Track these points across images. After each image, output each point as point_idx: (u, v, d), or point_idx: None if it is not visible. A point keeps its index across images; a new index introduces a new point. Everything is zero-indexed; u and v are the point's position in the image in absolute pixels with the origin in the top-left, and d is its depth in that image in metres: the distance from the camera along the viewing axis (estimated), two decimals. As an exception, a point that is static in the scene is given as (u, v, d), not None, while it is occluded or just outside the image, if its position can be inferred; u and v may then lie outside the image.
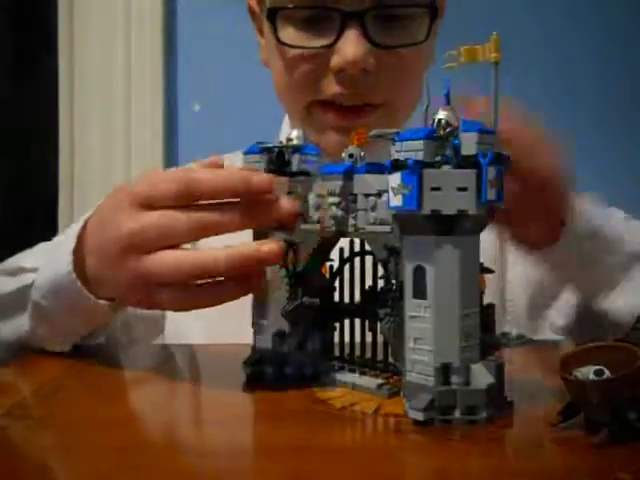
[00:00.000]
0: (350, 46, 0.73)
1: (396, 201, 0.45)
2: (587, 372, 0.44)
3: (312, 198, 0.54)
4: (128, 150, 1.46)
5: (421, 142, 0.45)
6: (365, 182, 0.51)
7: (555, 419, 0.45)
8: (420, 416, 0.45)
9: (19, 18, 1.70)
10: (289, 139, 0.56)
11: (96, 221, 0.59)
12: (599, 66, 1.46)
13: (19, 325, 0.66)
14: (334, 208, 0.52)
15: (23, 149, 1.65)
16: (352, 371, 0.55)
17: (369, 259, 0.54)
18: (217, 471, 0.40)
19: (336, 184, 0.52)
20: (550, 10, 1.46)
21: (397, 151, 0.46)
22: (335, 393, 0.53)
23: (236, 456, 0.42)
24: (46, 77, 1.52)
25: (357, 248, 0.56)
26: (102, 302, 0.60)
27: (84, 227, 0.60)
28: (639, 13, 1.47)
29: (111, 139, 1.46)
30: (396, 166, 0.45)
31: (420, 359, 0.46)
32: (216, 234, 0.53)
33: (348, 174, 0.51)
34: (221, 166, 0.57)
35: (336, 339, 0.57)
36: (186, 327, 0.77)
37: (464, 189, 0.45)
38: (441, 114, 0.46)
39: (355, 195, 0.51)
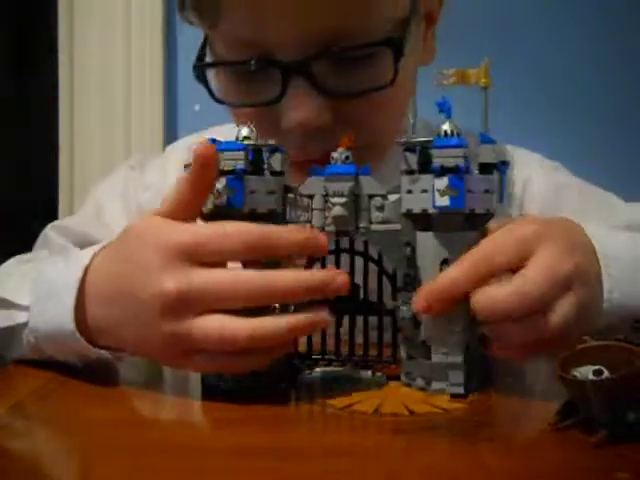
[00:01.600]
0: (296, 106, 0.62)
1: (443, 202, 0.51)
2: (586, 372, 0.44)
3: (317, 199, 0.55)
4: (128, 150, 1.45)
5: (461, 150, 0.51)
6: (371, 183, 0.54)
7: (554, 419, 0.45)
8: (461, 389, 0.51)
9: (19, 18, 1.70)
10: (237, 138, 0.54)
11: (115, 270, 0.53)
12: (599, 65, 1.46)
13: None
14: (340, 208, 0.53)
15: (23, 149, 1.65)
16: (337, 367, 0.57)
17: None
18: (217, 471, 0.40)
19: (344, 185, 0.54)
20: (551, 9, 1.46)
21: (437, 157, 0.51)
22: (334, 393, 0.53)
23: (236, 456, 0.42)
24: (46, 77, 1.52)
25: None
26: (105, 353, 0.56)
27: (86, 272, 0.55)
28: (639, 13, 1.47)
29: (111, 139, 1.46)
30: (444, 171, 0.51)
31: (448, 340, 0.51)
32: (279, 302, 0.51)
33: (355, 176, 0.54)
34: (212, 154, 0.52)
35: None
36: None
37: (489, 191, 0.52)
38: (445, 126, 0.52)
39: (357, 196, 0.54)
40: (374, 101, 0.64)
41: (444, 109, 0.53)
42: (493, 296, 0.49)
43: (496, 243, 0.51)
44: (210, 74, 0.69)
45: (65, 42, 1.47)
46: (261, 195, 0.53)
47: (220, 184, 0.53)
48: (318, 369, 0.57)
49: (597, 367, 0.44)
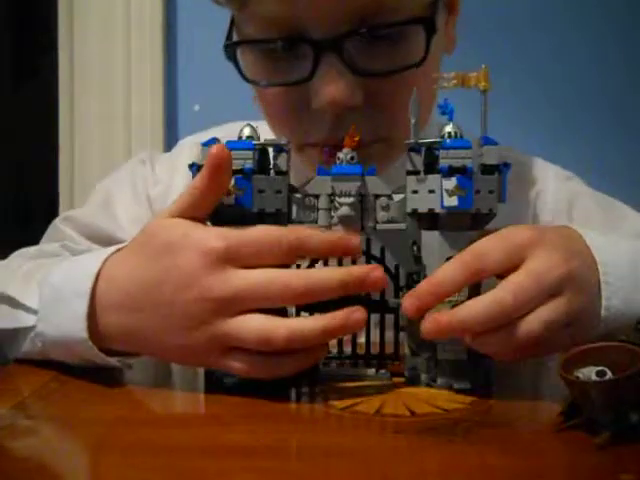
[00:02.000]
0: (328, 83, 0.62)
1: (451, 202, 0.52)
2: (589, 373, 0.44)
3: (323, 199, 0.55)
4: (128, 150, 1.45)
5: (469, 151, 0.53)
6: (377, 183, 0.55)
7: (557, 420, 0.45)
8: (467, 384, 0.53)
9: (19, 18, 1.71)
10: (240, 137, 0.55)
11: (140, 276, 0.52)
12: (599, 65, 1.46)
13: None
14: (347, 208, 0.54)
15: (23, 149, 1.65)
16: (340, 365, 0.58)
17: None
18: (217, 470, 0.40)
19: (351, 185, 0.55)
20: (552, 10, 1.46)
21: (444, 158, 0.53)
22: (335, 394, 0.53)
23: (236, 455, 0.42)
24: (46, 77, 1.52)
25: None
26: (114, 360, 0.55)
27: (97, 279, 0.54)
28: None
29: (111, 139, 1.46)
30: (452, 171, 0.52)
31: (454, 338, 0.51)
32: (317, 299, 0.51)
33: (362, 176, 0.55)
34: (226, 156, 0.52)
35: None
36: None
37: (492, 192, 0.53)
38: (448, 128, 0.54)
39: (363, 196, 0.55)
40: (404, 81, 0.63)
41: (446, 111, 0.54)
42: (471, 310, 0.49)
43: (487, 247, 0.51)
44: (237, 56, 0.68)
45: (65, 42, 1.47)
46: (269, 195, 0.54)
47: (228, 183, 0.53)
48: (323, 367, 0.57)
49: (600, 368, 0.44)
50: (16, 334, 0.59)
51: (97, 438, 0.45)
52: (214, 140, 0.53)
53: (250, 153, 0.53)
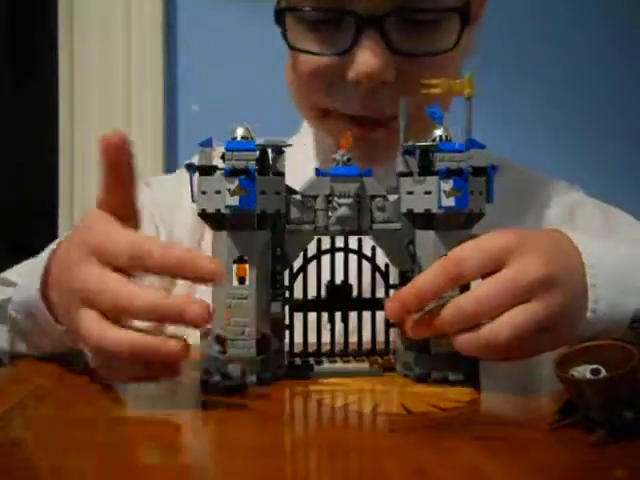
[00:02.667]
0: (367, 56, 0.66)
1: (448, 202, 0.54)
2: (584, 371, 0.44)
3: (320, 200, 0.56)
4: (128, 150, 1.46)
5: (464, 154, 0.55)
6: (373, 185, 0.57)
7: (552, 418, 0.45)
8: (461, 376, 0.54)
9: (19, 18, 1.71)
10: (234, 138, 0.54)
11: (58, 257, 0.56)
12: (599, 66, 1.46)
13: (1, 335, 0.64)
14: (345, 209, 0.55)
15: (23, 149, 1.65)
16: (333, 362, 0.59)
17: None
18: (217, 470, 0.40)
19: (350, 186, 0.56)
20: (552, 10, 1.46)
21: (441, 160, 0.54)
22: (332, 392, 0.53)
23: (234, 455, 0.42)
24: (46, 77, 1.52)
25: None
26: (61, 328, 0.56)
27: (52, 255, 0.57)
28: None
29: (111, 139, 1.46)
30: (450, 173, 0.54)
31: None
32: (134, 318, 0.49)
33: (360, 177, 0.56)
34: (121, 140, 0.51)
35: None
36: None
37: (482, 193, 0.56)
38: (438, 132, 0.55)
39: (360, 197, 0.56)
40: (435, 65, 0.67)
41: (435, 117, 0.56)
42: (441, 313, 0.51)
43: (467, 252, 0.52)
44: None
45: (65, 42, 1.47)
46: (270, 196, 0.54)
47: (232, 184, 0.53)
48: (316, 365, 0.58)
49: (595, 366, 0.44)
50: (2, 308, 0.64)
51: (94, 439, 0.45)
52: (211, 140, 0.54)
53: (253, 154, 0.54)
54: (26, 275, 0.61)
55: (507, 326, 0.50)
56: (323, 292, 0.59)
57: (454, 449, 0.43)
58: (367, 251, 0.59)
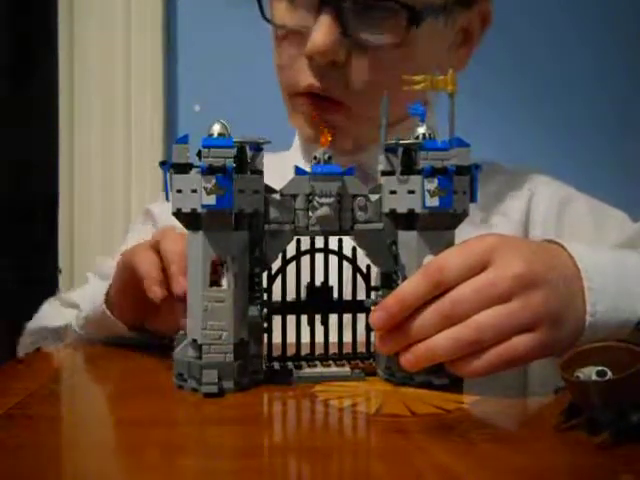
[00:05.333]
0: (319, 33, 0.70)
1: (433, 202, 0.53)
2: (589, 373, 0.44)
3: (300, 199, 0.54)
4: (128, 150, 1.45)
5: (448, 152, 0.54)
6: (355, 183, 0.55)
7: (557, 420, 0.45)
8: (446, 380, 0.53)
9: (19, 18, 1.70)
10: (210, 134, 0.53)
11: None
12: (598, 66, 1.46)
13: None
14: (326, 209, 0.54)
15: (23, 149, 1.65)
16: (312, 366, 0.57)
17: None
18: (216, 471, 0.40)
19: (331, 185, 0.54)
20: (551, 14, 1.46)
21: (425, 159, 0.54)
22: (334, 393, 0.53)
23: (235, 456, 0.42)
24: (46, 77, 1.52)
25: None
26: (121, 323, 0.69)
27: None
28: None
29: (111, 139, 1.46)
30: (434, 172, 0.53)
31: None
32: None
33: (341, 175, 0.55)
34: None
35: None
36: None
37: (465, 192, 0.55)
38: (421, 130, 0.55)
39: (341, 196, 0.55)
40: (384, 60, 0.72)
41: (418, 114, 0.56)
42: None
43: (449, 258, 0.53)
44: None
45: (65, 42, 1.47)
46: (248, 195, 0.52)
47: (208, 183, 0.51)
48: (295, 370, 0.57)
49: (600, 368, 0.44)
50: (65, 329, 0.77)
51: (97, 438, 0.45)
52: (187, 137, 0.53)
53: (231, 151, 0.52)
54: (89, 297, 0.74)
55: (485, 325, 0.50)
56: (303, 294, 0.57)
57: (458, 451, 0.42)
58: (348, 252, 0.58)
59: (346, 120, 0.75)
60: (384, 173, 0.56)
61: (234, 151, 0.52)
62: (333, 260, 0.58)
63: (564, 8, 1.44)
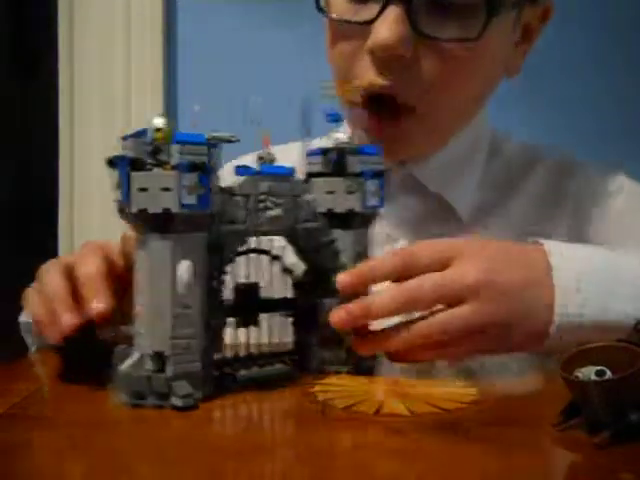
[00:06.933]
0: (384, 27, 0.65)
1: (373, 202, 0.59)
2: (588, 372, 0.44)
3: (252, 199, 0.54)
4: (128, 150, 1.46)
5: (379, 157, 0.59)
6: (297, 184, 0.56)
7: (557, 419, 0.45)
8: (373, 363, 0.58)
9: (19, 17, 1.70)
10: (158, 129, 0.49)
11: None
12: (598, 64, 1.46)
13: None
14: (278, 209, 0.55)
15: (23, 149, 1.65)
16: (248, 368, 0.56)
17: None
18: (216, 471, 0.40)
19: (281, 185, 0.55)
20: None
21: (362, 162, 0.58)
22: (335, 394, 0.53)
23: (236, 456, 0.42)
24: (46, 77, 1.52)
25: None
26: None
27: None
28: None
29: (111, 139, 1.46)
30: (375, 174, 0.58)
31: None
32: None
33: (289, 176, 0.56)
34: None
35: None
36: None
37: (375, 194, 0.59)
38: (339, 134, 0.58)
39: (287, 196, 0.56)
40: (455, 59, 0.67)
41: (333, 119, 0.58)
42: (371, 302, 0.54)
43: (422, 245, 0.56)
44: None
45: (65, 42, 1.47)
46: (214, 195, 0.50)
47: (189, 181, 0.48)
48: (237, 373, 0.55)
49: (600, 368, 0.44)
50: None
51: (96, 438, 0.45)
52: (145, 131, 0.50)
53: (205, 148, 0.49)
54: None
55: (437, 324, 0.53)
56: (232, 295, 0.55)
57: (458, 451, 0.42)
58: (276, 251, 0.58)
59: (408, 127, 0.70)
60: (316, 174, 0.59)
61: (206, 148, 0.49)
62: (265, 260, 0.57)
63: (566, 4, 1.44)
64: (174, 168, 0.48)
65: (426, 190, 0.77)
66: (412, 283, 0.53)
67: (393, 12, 0.65)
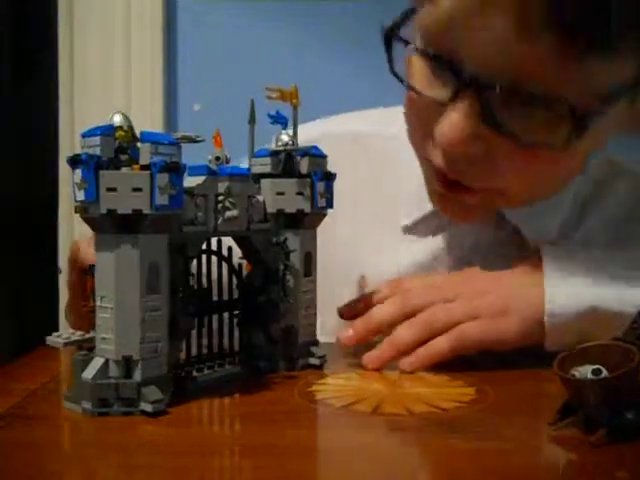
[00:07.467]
0: (451, 122, 0.56)
1: (322, 202, 0.60)
2: (585, 371, 0.44)
3: (210, 199, 0.53)
4: (128, 150, 1.46)
5: (325, 159, 0.61)
6: (250, 184, 0.57)
7: (553, 418, 0.45)
8: (324, 358, 0.62)
9: (19, 17, 1.70)
10: (118, 127, 0.48)
11: None
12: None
13: None
14: (236, 209, 0.55)
15: (23, 149, 1.65)
16: (201, 370, 0.55)
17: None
18: (216, 470, 0.40)
19: (239, 185, 0.55)
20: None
21: (312, 164, 0.60)
22: (333, 393, 0.53)
23: (235, 455, 0.42)
24: (46, 77, 1.52)
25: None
26: None
27: None
28: None
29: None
30: (324, 175, 0.60)
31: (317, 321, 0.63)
32: None
33: (246, 176, 0.56)
34: None
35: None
36: None
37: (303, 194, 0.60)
38: (285, 137, 0.60)
39: (243, 197, 0.56)
40: (536, 156, 0.57)
41: (280, 121, 0.60)
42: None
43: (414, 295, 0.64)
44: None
45: (65, 42, 1.48)
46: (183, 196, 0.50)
47: (162, 181, 0.47)
48: (194, 375, 0.54)
49: (596, 366, 0.44)
50: None
51: (96, 438, 0.45)
52: (111, 127, 0.48)
53: (175, 148, 0.48)
54: None
55: (420, 355, 0.60)
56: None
57: (455, 449, 0.43)
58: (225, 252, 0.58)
59: (493, 199, 0.64)
60: (267, 175, 0.60)
61: (176, 148, 0.48)
62: (214, 261, 0.57)
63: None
64: (143, 168, 0.47)
65: (502, 217, 0.71)
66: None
67: (464, 102, 0.56)
